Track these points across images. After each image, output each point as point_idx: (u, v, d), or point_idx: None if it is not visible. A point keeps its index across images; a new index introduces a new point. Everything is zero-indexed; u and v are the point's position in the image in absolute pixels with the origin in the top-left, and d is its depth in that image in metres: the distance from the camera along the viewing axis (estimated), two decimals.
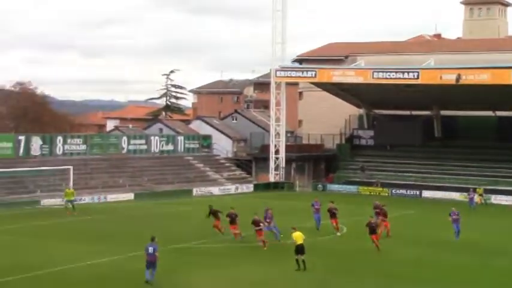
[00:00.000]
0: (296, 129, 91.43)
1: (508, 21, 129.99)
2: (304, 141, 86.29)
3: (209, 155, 78.41)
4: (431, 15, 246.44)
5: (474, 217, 49.42)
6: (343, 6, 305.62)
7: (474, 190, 60.98)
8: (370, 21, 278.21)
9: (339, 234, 40.62)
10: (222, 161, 78.27)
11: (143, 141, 72.56)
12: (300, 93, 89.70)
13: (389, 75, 67.71)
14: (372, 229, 35.27)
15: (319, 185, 73.34)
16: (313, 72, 72.37)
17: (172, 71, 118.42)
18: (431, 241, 39.53)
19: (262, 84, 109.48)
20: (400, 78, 67.36)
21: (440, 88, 67.51)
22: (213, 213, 39.43)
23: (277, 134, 75.69)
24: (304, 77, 74.57)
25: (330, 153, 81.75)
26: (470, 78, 63.93)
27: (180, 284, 28.20)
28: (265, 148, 78.17)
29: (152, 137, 74.10)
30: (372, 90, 73.40)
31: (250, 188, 71.72)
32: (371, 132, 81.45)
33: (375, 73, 68.20)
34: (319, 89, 79.83)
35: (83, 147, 66.03)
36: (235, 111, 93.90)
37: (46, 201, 53.77)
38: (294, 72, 75.00)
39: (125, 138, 71.28)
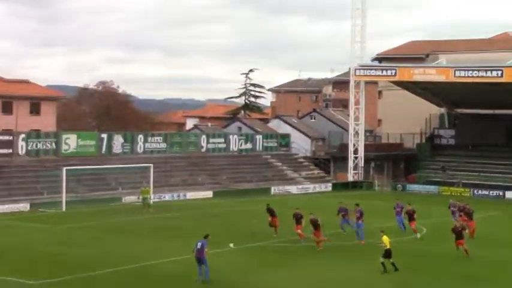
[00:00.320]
0: (375, 128, 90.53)
1: None
2: (384, 141, 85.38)
3: (287, 154, 78.41)
4: None
5: None
6: (425, 3, 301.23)
7: None
8: (452, 18, 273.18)
9: (418, 236, 39.85)
10: (300, 160, 78.15)
11: (222, 140, 73.10)
12: (380, 92, 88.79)
13: (471, 73, 66.34)
14: (459, 234, 33.91)
15: (399, 185, 72.39)
16: (393, 71, 71.55)
17: (251, 70, 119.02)
18: None
19: (341, 83, 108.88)
20: (483, 76, 65.89)
21: None
22: (270, 211, 39.20)
23: (356, 133, 75.11)
24: (384, 75, 73.78)
25: (410, 153, 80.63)
26: None
27: (256, 283, 28.25)
28: (344, 147, 77.66)
29: (231, 136, 74.58)
30: (453, 88, 72.00)
31: (328, 187, 71.37)
32: (452, 132, 79.99)
33: (456, 71, 66.92)
34: (399, 88, 78.78)
35: (163, 145, 66.98)
36: (314, 110, 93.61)
37: (127, 198, 54.78)
38: (374, 70, 74.31)
39: (204, 136, 72.00)
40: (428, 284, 28.84)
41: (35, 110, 72.37)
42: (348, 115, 77.82)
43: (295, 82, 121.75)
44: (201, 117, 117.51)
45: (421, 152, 79.40)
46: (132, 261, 30.93)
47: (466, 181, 70.02)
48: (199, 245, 27.49)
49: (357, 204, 39.59)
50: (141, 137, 65.48)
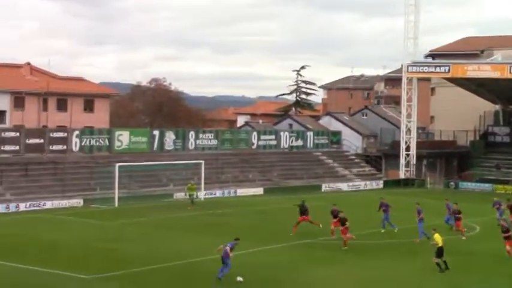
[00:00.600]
0: (428, 126, 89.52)
1: None
2: (436, 138, 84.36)
3: (338, 151, 78.06)
4: None
5: None
6: None
7: None
8: (507, 14, 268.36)
9: (464, 238, 38.88)
10: (352, 157, 77.74)
11: (273, 137, 73.11)
12: (432, 88, 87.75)
13: None
14: (505, 231, 33.10)
15: (451, 183, 71.43)
16: (447, 68, 70.67)
17: (302, 67, 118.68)
18: None
19: (393, 80, 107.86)
20: None
21: None
22: (302, 209, 38.91)
23: (408, 131, 74.39)
24: (437, 72, 72.96)
25: (463, 150, 79.51)
26: None
27: (304, 280, 28.19)
28: (396, 144, 76.97)
29: (282, 133, 74.56)
30: (509, 85, 70.68)
31: (379, 184, 70.86)
32: (507, 129, 78.64)
33: None
34: (452, 85, 77.75)
35: (214, 142, 67.31)
36: (366, 107, 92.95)
37: (179, 195, 55.14)
38: (427, 67, 73.50)
39: (255, 133, 72.12)
40: (478, 283, 28.44)
41: (88, 107, 73.51)
42: (400, 112, 77.12)
43: (347, 79, 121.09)
44: (252, 114, 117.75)
45: (474, 149, 78.22)
46: (180, 258, 31.16)
47: None
48: (229, 245, 27.35)
49: (417, 203, 39.29)
50: (192, 133, 65.91)
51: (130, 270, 29.07)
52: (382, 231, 40.04)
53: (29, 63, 73.20)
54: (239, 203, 53.43)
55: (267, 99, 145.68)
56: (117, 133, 60.53)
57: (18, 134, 55.02)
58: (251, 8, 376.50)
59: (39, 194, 50.80)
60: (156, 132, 63.43)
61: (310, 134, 76.46)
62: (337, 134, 79.55)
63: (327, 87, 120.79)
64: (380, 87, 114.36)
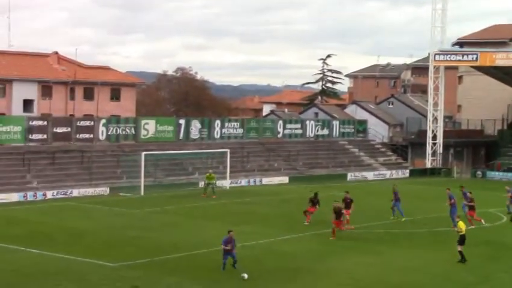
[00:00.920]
0: (455, 114, 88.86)
1: None
2: (463, 127, 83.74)
3: (364, 140, 77.79)
4: None
5: None
6: None
7: None
8: None
9: (483, 223, 38.41)
10: (378, 146, 77.43)
11: (298, 126, 73.01)
12: (460, 77, 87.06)
13: None
14: None
15: (478, 172, 70.92)
16: (475, 56, 70.03)
17: (328, 56, 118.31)
18: None
19: (420, 69, 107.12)
20: None
21: None
22: (312, 200, 38.70)
23: (435, 119, 73.92)
24: (465, 60, 72.34)
25: (491, 140, 78.83)
26: None
27: (332, 269, 28.18)
28: (422, 133, 76.52)
29: (307, 122, 74.42)
30: None
31: (405, 173, 70.53)
32: None
33: None
34: (479, 73, 77.05)
35: (240, 131, 67.35)
36: (392, 95, 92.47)
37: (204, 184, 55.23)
38: (454, 56, 72.87)
39: (280, 122, 72.06)
40: (506, 272, 28.19)
41: (115, 95, 73.85)
42: (427, 101, 76.63)
43: (373, 67, 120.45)
44: (278, 103, 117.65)
45: (502, 138, 77.52)
46: (205, 246, 31.27)
47: None
48: (222, 244, 27.00)
49: (448, 189, 39.09)
50: (218, 122, 66.00)
51: (157, 258, 29.25)
52: (403, 219, 39.84)
53: (56, 52, 73.64)
54: (264, 192, 53.47)
55: (293, 88, 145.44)
56: (143, 122, 60.79)
57: (45, 122, 55.47)
58: None
59: (66, 182, 51.26)
60: (182, 121, 63.60)
61: (336, 123, 76.25)
62: (363, 123, 79.24)
63: (353, 76, 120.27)
64: (406, 75, 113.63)
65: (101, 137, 57.83)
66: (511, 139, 76.80)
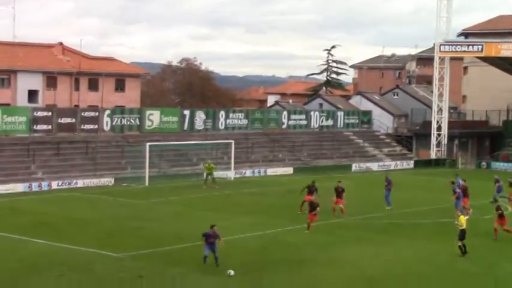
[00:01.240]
0: (459, 105, 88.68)
1: None
2: (468, 118, 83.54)
3: (369, 131, 77.71)
4: None
5: None
6: None
7: None
8: None
9: (467, 217, 38.05)
10: (382, 137, 77.34)
11: (303, 117, 72.96)
12: (465, 68, 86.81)
13: None
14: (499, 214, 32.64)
15: (483, 163, 70.80)
16: (480, 46, 69.80)
17: (333, 47, 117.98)
18: None
19: (425, 59, 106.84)
20: None
21: None
22: (310, 189, 38.68)
23: (440, 110, 73.76)
24: (470, 51, 72.08)
25: (496, 130, 78.67)
26: None
27: (338, 259, 28.20)
28: (427, 124, 76.39)
29: (312, 112, 74.35)
30: None
31: (410, 164, 70.46)
32: None
33: None
34: (485, 64, 76.80)
35: (244, 121, 67.33)
36: (397, 86, 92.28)
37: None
38: (459, 46, 72.61)
39: (285, 113, 72.01)
40: (511, 262, 28.18)
41: (119, 86, 73.90)
42: (432, 92, 76.46)
43: (378, 58, 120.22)
44: (282, 94, 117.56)
45: (507, 129, 77.35)
46: None
47: None
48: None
49: (452, 182, 39.02)
50: (222, 113, 65.97)
51: (161, 248, 29.31)
52: (387, 208, 40.07)
53: (61, 43, 73.66)
54: (269, 183, 53.48)
55: (298, 79, 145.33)
56: (147, 112, 60.80)
57: (50, 113, 55.53)
58: None
59: (71, 172, 51.35)
60: (187, 112, 63.58)
61: (340, 113, 76.16)
62: (368, 113, 79.15)
63: (358, 67, 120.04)
64: (411, 66, 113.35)
65: (105, 128, 57.88)
66: None
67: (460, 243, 28.89)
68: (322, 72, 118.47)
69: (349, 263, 27.47)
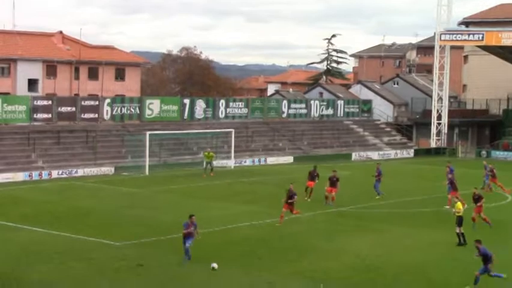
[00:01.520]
0: (460, 94, 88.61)
1: None
2: (468, 107, 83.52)
3: (369, 120, 77.70)
4: None
5: None
6: None
7: None
8: None
9: (447, 207, 37.36)
10: (382, 126, 77.33)
11: (303, 106, 72.92)
12: (465, 57, 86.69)
13: None
14: (475, 200, 32.57)
15: (483, 151, 70.80)
16: (480, 35, 69.65)
17: (333, 36, 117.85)
18: None
19: (425, 48, 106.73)
20: None
21: None
22: (311, 173, 39.39)
23: (440, 99, 73.73)
24: (471, 40, 71.91)
25: (496, 119, 78.66)
26: None
27: (336, 248, 28.25)
28: (427, 113, 76.37)
29: (312, 101, 74.32)
30: None
31: (410, 153, 70.48)
32: None
33: None
34: (485, 53, 76.68)
35: (245, 110, 67.29)
36: (397, 75, 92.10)
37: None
38: (460, 35, 72.47)
39: (285, 102, 71.96)
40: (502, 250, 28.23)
41: (119, 75, 73.77)
42: (432, 80, 76.40)
43: (378, 47, 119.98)
44: (283, 83, 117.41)
45: (507, 118, 77.33)
46: (210, 225, 31.32)
47: None
48: (184, 228, 25.65)
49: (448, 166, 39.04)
50: (222, 102, 65.92)
51: (161, 237, 29.35)
52: (378, 197, 40.09)
53: (60, 32, 73.48)
54: (269, 172, 53.51)
55: (298, 68, 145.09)
56: (147, 101, 60.75)
57: (50, 102, 55.49)
58: None
59: (71, 161, 51.37)
60: (187, 101, 63.55)
61: (340, 102, 76.12)
62: (368, 102, 79.10)
63: (358, 56, 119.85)
64: (412, 55, 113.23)
65: (105, 117, 57.85)
66: None
67: (458, 230, 28.90)
68: (322, 61, 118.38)
69: (350, 252, 27.51)
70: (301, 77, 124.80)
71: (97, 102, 57.95)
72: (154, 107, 60.49)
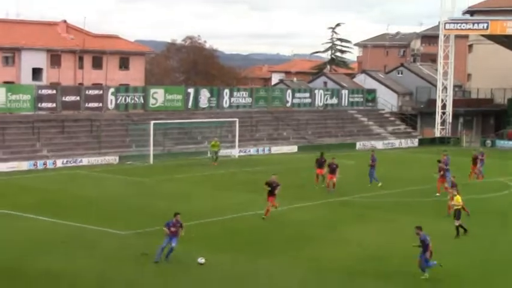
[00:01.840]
0: (464, 83, 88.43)
1: None
2: (473, 96, 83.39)
3: (373, 109, 77.63)
4: None
5: None
6: None
7: None
8: None
9: (438, 194, 37.84)
10: (387, 115, 77.28)
11: (307, 95, 72.89)
12: (470, 46, 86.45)
13: None
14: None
15: (488, 141, 70.74)
16: (485, 24, 69.51)
17: (338, 25, 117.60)
18: None
19: (430, 37, 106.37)
20: None
21: None
22: (319, 161, 40.04)
23: (445, 88, 73.58)
24: (475, 29, 71.78)
25: (500, 108, 78.51)
26: None
27: (339, 237, 28.32)
28: (432, 102, 76.28)
29: (316, 91, 74.26)
30: None
31: (415, 142, 70.48)
32: None
33: None
34: (490, 42, 76.46)
35: (249, 100, 67.29)
36: (401, 64, 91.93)
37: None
38: (464, 24, 72.30)
39: (289, 91, 71.93)
40: (503, 237, 28.32)
41: (124, 64, 73.82)
42: (436, 70, 76.24)
43: (383, 36, 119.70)
44: (287, 72, 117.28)
45: None
46: (215, 215, 31.43)
47: None
48: (166, 226, 24.48)
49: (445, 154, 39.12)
50: (227, 91, 65.92)
51: None
52: (370, 185, 40.33)
53: (64, 21, 73.48)
54: (273, 161, 53.53)
55: (302, 57, 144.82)
56: (152, 91, 60.79)
57: (54, 91, 55.56)
58: None
59: (76, 150, 51.48)
60: (191, 90, 63.56)
61: (345, 92, 76.06)
62: (372, 92, 79.00)
63: (362, 45, 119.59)
64: (416, 44, 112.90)
65: (109, 106, 57.92)
66: None
67: (457, 223, 28.89)
68: (326, 50, 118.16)
69: (354, 241, 27.58)
70: (305, 66, 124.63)
71: (101, 92, 58.00)
72: (158, 96, 60.53)
